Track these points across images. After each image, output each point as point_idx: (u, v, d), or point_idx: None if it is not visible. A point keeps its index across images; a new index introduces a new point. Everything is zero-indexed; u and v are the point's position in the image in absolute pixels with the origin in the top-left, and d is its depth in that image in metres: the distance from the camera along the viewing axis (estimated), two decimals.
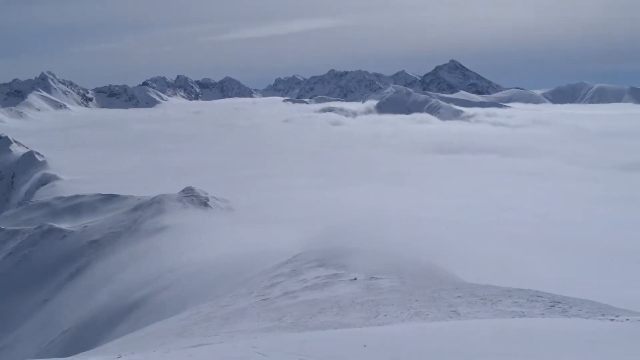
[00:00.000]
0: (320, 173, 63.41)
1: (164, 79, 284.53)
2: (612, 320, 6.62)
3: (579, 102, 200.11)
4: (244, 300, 15.79)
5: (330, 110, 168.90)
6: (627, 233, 36.95)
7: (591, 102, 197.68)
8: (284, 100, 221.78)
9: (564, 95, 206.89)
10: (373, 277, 16.10)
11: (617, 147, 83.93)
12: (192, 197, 41.66)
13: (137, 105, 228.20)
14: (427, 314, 9.82)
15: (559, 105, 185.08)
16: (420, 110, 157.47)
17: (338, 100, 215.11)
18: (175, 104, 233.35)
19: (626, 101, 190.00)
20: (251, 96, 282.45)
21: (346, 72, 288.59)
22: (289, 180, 57.04)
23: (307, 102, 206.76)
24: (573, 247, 33.36)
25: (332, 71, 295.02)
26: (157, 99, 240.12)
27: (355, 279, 16.02)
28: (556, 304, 12.37)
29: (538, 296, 13.41)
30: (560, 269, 27.99)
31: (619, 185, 56.18)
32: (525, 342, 5.20)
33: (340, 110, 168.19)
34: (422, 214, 40.13)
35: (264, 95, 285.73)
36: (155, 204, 40.16)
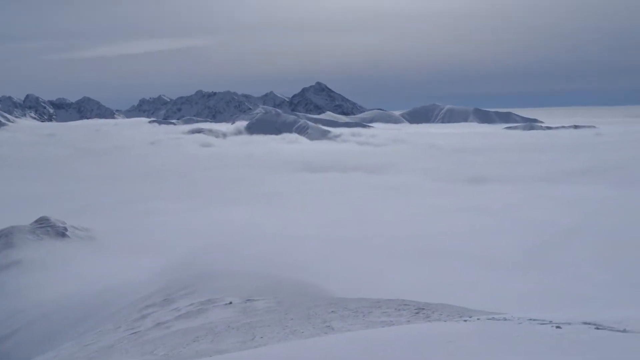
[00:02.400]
0: (190, 196, 61.66)
1: (10, 98, 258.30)
2: (465, 321, 7.27)
3: (432, 122, 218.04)
4: (111, 337, 14.71)
5: (199, 131, 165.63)
6: (478, 240, 40.77)
7: (442, 122, 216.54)
8: (149, 122, 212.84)
9: (419, 115, 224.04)
10: (249, 300, 15.92)
11: (466, 162, 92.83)
12: (48, 228, 38.02)
13: None
14: (302, 332, 9.94)
15: (415, 125, 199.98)
16: (289, 131, 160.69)
17: (207, 121, 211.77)
18: (24, 126, 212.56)
19: (471, 121, 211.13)
20: (113, 117, 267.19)
21: (215, 93, 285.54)
22: (157, 205, 54.61)
23: (174, 123, 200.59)
24: (434, 255, 35.85)
25: (199, 92, 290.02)
26: (3, 120, 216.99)
27: (230, 303, 15.72)
28: (420, 311, 13.24)
29: (404, 305, 14.24)
30: (424, 277, 29.89)
31: (468, 196, 61.99)
32: (391, 349, 5.55)
33: (210, 132, 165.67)
34: (295, 232, 40.65)
35: (127, 117, 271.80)
36: (2, 238, 36.00)
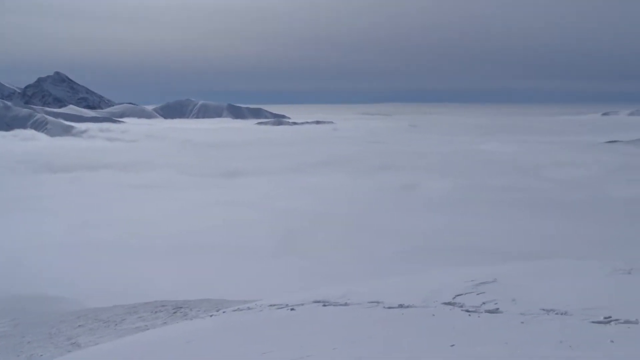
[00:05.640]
0: None
1: None
2: (212, 316, 7.55)
3: (187, 117, 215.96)
4: None
5: None
6: (236, 232, 42.18)
7: (197, 117, 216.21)
8: None
9: (173, 110, 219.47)
10: None
11: (221, 156, 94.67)
12: None
13: None
14: (41, 355, 8.98)
15: (169, 120, 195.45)
16: (23, 126, 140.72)
17: None
18: None
19: (225, 116, 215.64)
20: None
21: None
22: None
23: None
24: (195, 251, 35.89)
25: None
26: None
27: None
28: (178, 310, 13.21)
29: (162, 306, 14.01)
30: (185, 274, 29.73)
31: (225, 190, 63.51)
32: (139, 356, 5.46)
33: None
34: (38, 242, 36.27)
35: None
36: None
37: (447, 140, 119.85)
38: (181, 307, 13.54)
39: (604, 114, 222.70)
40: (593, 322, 5.30)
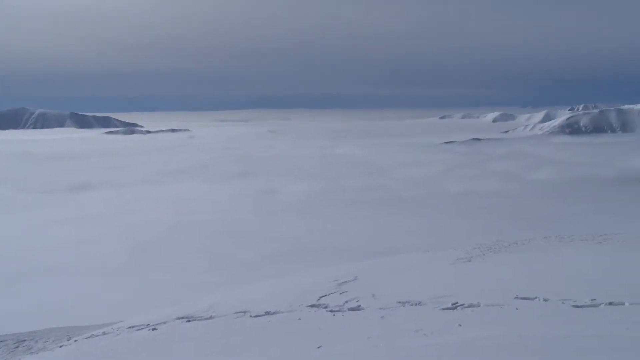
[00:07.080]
0: None
1: None
2: (61, 347, 6.86)
3: (22, 127, 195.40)
4: None
5: None
6: (84, 250, 39.02)
7: (34, 127, 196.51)
8: None
9: (5, 120, 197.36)
10: None
11: (65, 169, 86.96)
12: None
13: None
14: None
15: (1, 132, 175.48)
16: None
17: None
18: None
19: (68, 126, 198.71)
20: None
21: None
22: None
23: None
24: (34, 275, 32.63)
25: None
26: None
27: None
28: (21, 344, 11.81)
29: (0, 341, 12.45)
30: (25, 302, 26.87)
31: (69, 206, 58.43)
32: None
33: None
34: None
35: None
36: None
37: (305, 145, 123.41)
38: (24, 340, 12.14)
39: (441, 118, 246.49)
40: (443, 309, 5.79)
